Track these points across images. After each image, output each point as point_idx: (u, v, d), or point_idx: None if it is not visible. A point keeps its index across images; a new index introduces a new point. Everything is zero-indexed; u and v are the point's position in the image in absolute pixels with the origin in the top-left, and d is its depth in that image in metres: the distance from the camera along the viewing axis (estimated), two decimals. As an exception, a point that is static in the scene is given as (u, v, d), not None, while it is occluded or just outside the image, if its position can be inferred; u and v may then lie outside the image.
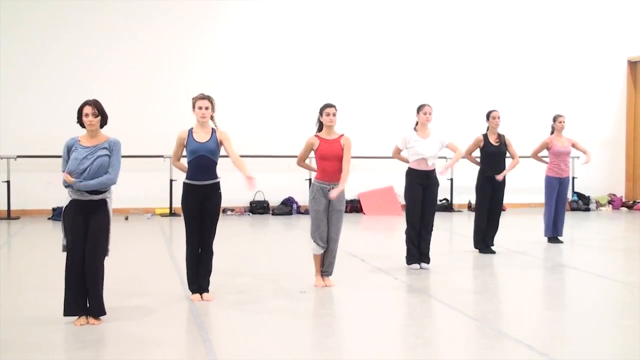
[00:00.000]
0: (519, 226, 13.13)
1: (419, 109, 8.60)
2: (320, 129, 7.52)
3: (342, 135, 7.48)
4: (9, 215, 13.52)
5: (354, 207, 15.25)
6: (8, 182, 13.60)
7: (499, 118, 9.76)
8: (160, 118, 14.27)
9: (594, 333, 5.95)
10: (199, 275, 6.85)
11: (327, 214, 7.36)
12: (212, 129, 6.83)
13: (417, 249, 8.51)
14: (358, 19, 15.60)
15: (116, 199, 6.23)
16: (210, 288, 6.94)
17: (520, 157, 10.05)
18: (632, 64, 17.08)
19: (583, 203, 16.13)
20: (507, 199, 15.58)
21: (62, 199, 6.10)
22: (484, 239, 9.78)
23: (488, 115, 9.83)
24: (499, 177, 9.67)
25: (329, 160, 7.32)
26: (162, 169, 14.13)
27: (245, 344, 5.50)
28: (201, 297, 6.83)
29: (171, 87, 14.46)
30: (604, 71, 16.91)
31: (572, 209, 16.06)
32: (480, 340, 5.67)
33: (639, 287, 7.54)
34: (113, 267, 6.57)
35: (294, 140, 15.07)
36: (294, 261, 8.98)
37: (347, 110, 15.38)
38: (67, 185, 5.87)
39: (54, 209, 13.54)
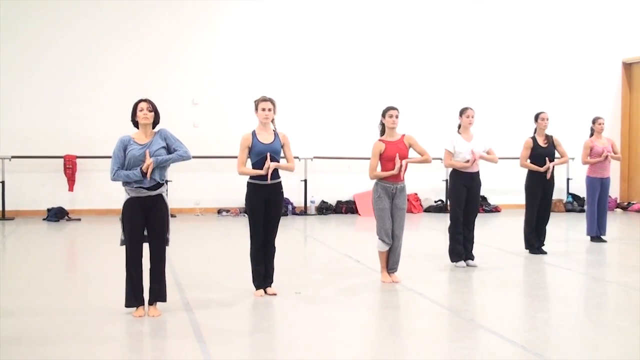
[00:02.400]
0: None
1: (462, 112, 8.77)
2: (383, 131, 7.72)
3: (404, 135, 7.71)
4: (3, 216, 13.48)
5: (349, 208, 15.26)
6: (3, 182, 13.57)
7: (547, 119, 9.75)
8: (170, 120, 14.24)
9: (589, 334, 5.94)
10: (265, 271, 7.04)
11: (391, 212, 7.59)
12: (274, 130, 7.03)
13: (463, 248, 8.69)
14: (358, 19, 15.57)
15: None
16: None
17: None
18: (627, 66, 17.07)
19: (578, 204, 16.12)
20: (503, 200, 15.85)
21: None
22: (533, 240, 9.77)
23: (536, 117, 9.84)
24: (543, 169, 9.63)
25: (394, 161, 7.53)
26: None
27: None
28: (265, 291, 7.02)
29: (168, 88, 14.43)
30: (599, 73, 16.88)
31: (567, 210, 16.07)
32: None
33: (633, 288, 7.55)
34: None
35: (292, 143, 15.02)
36: (289, 262, 8.92)
37: (344, 112, 15.45)
38: (127, 183, 6.10)
39: (48, 210, 13.50)
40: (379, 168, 7.71)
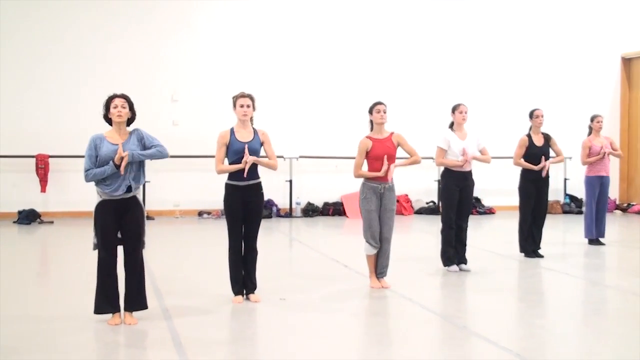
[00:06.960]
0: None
1: (454, 108, 8.44)
2: (371, 128, 7.49)
3: (393, 132, 7.47)
4: (-28, 219, 13.16)
5: (337, 210, 14.90)
6: (-29, 183, 13.28)
7: (542, 117, 9.35)
8: (148, 117, 13.92)
9: (587, 341, 5.78)
10: (245, 276, 6.81)
11: (379, 214, 7.36)
12: (254, 128, 6.81)
13: (455, 251, 8.43)
14: (343, 15, 15.31)
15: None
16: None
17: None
18: (626, 61, 16.90)
19: (575, 205, 15.82)
20: (497, 202, 15.48)
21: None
22: (530, 243, 9.42)
23: (531, 114, 9.43)
24: (538, 168, 9.22)
25: (381, 159, 7.27)
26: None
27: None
28: (248, 297, 6.80)
29: (146, 84, 14.07)
30: (597, 68, 16.70)
31: (564, 212, 15.83)
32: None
33: (633, 292, 7.41)
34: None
35: (276, 141, 14.62)
36: (273, 266, 8.54)
37: (330, 109, 15.10)
38: (97, 183, 5.84)
39: (19, 212, 13.17)
40: (365, 167, 7.40)
